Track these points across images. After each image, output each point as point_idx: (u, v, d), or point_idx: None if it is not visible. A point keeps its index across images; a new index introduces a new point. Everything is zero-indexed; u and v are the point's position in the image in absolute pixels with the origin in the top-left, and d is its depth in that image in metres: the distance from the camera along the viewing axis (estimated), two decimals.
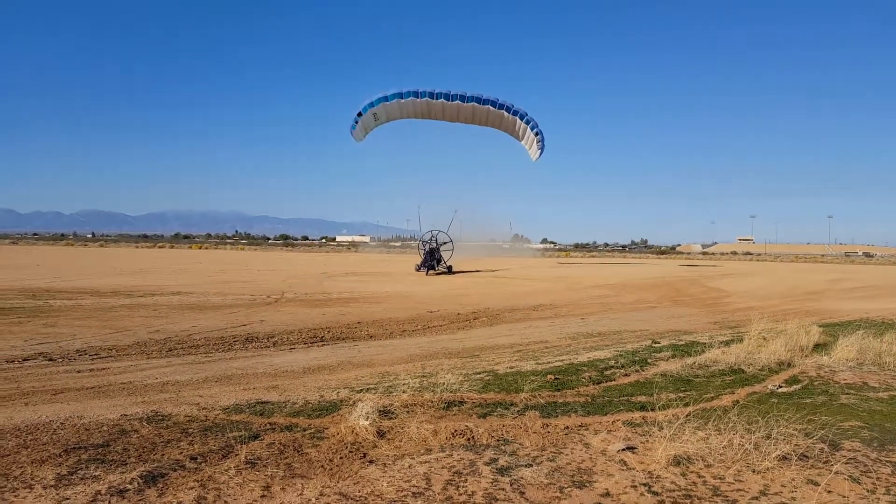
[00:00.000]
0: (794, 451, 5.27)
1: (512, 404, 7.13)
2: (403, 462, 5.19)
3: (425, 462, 5.19)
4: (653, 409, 6.76)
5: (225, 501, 4.35)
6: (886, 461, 5.34)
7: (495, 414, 6.74)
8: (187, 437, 5.74)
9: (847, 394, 7.95)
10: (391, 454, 5.39)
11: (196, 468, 4.95)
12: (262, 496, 4.45)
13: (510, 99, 34.84)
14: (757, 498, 4.53)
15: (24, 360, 9.82)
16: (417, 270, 37.16)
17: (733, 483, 4.79)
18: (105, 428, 5.99)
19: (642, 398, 7.52)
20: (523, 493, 4.59)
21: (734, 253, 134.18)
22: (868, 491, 4.68)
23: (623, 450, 5.51)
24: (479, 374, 8.94)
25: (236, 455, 5.22)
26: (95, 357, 10.29)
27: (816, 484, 4.74)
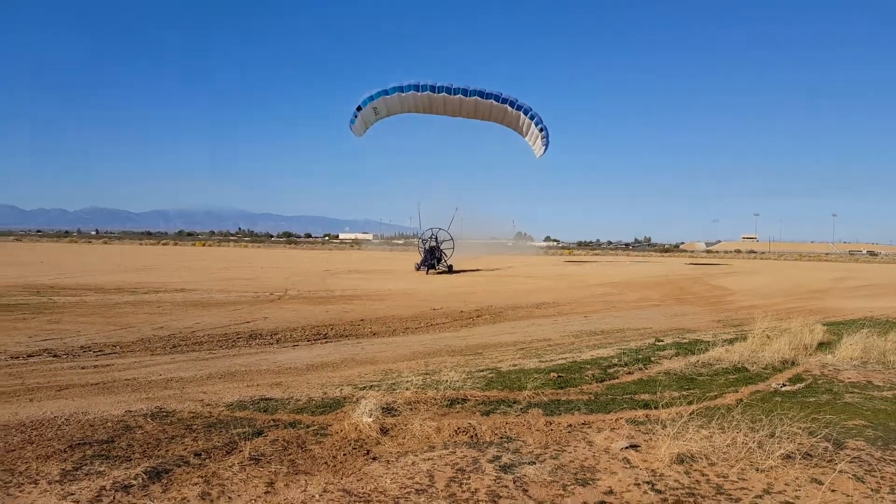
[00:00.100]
0: (798, 450, 5.25)
1: (515, 402, 7.13)
2: (407, 459, 5.20)
3: (428, 459, 5.19)
4: (656, 408, 6.75)
5: (229, 497, 4.37)
6: (891, 460, 5.32)
7: (498, 411, 6.74)
8: (191, 434, 5.76)
9: (851, 392, 7.92)
10: (394, 451, 5.40)
11: (200, 464, 4.97)
12: (266, 492, 4.46)
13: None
14: (760, 496, 4.53)
15: (28, 356, 9.86)
16: (417, 269, 36.19)
17: (737, 481, 4.79)
18: (109, 424, 6.02)
19: (646, 396, 7.51)
20: (526, 490, 4.59)
21: (738, 251, 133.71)
22: (872, 490, 4.67)
23: (626, 448, 5.51)
24: (483, 371, 8.94)
25: (240, 451, 5.24)
26: (100, 353, 10.33)
27: (820, 483, 4.73)
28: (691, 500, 4.46)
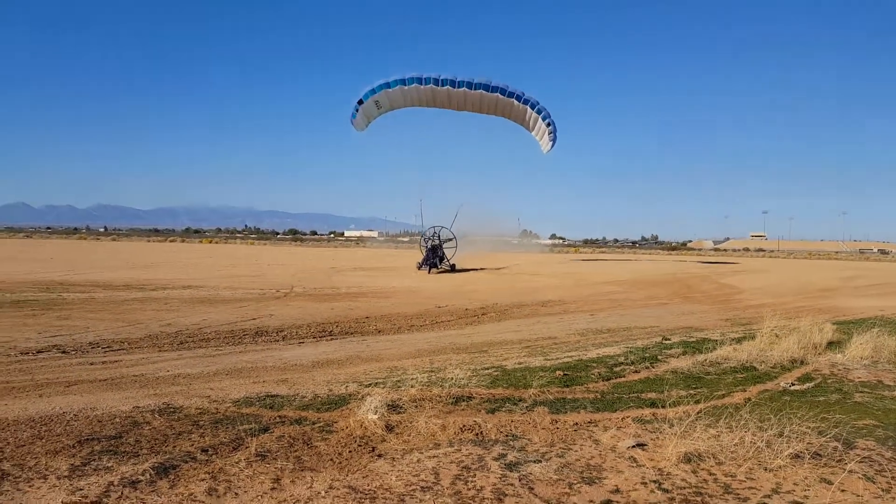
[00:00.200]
0: (807, 450, 5.21)
1: (520, 400, 7.11)
2: (412, 456, 5.19)
3: (434, 456, 5.19)
4: (663, 406, 6.71)
5: (235, 493, 4.38)
6: None
7: (504, 409, 6.73)
8: (198, 430, 5.78)
9: (861, 392, 7.85)
10: (400, 448, 5.40)
11: (207, 460, 4.99)
12: (272, 488, 4.47)
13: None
14: (769, 496, 4.49)
15: (38, 352, 9.95)
16: (419, 269, 35.02)
17: (745, 481, 4.75)
18: (118, 420, 6.05)
19: (652, 395, 7.47)
20: (532, 488, 4.57)
21: (746, 249, 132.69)
22: (883, 490, 4.62)
23: (633, 446, 5.48)
24: (488, 369, 8.93)
25: (247, 448, 5.26)
26: (108, 350, 10.40)
27: (830, 483, 4.68)
28: (699, 499, 4.43)
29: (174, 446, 5.31)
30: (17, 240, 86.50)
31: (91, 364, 9.14)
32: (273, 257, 51.92)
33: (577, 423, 6.24)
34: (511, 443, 5.61)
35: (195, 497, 4.30)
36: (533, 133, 32.98)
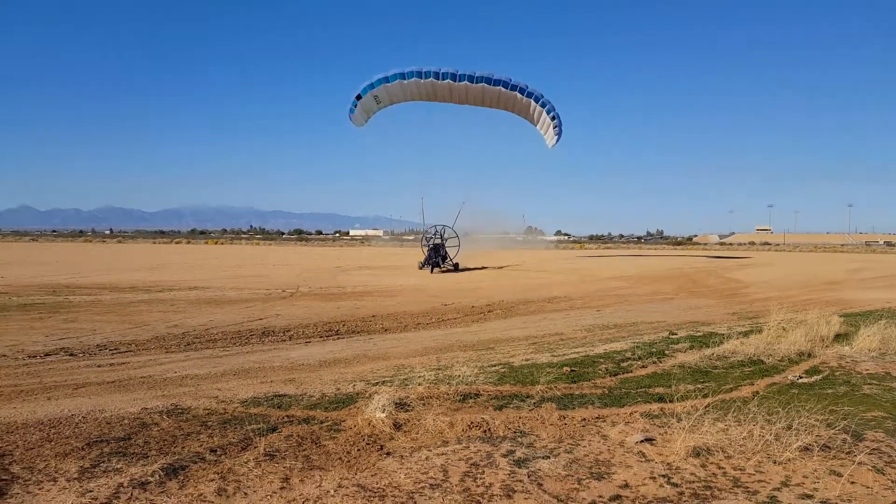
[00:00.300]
0: (815, 442, 5.18)
1: (528, 396, 7.11)
2: (420, 454, 5.20)
3: (442, 454, 5.19)
4: (671, 401, 6.70)
5: (245, 493, 4.40)
6: None
7: (511, 406, 6.72)
8: (207, 430, 5.80)
9: (869, 384, 7.81)
10: (408, 446, 5.41)
11: (216, 460, 5.01)
12: (282, 488, 4.48)
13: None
14: (778, 489, 4.47)
15: (45, 354, 10.00)
16: (421, 268, 33.97)
17: (754, 474, 4.73)
18: (126, 421, 6.08)
19: (660, 390, 7.45)
20: (541, 484, 4.57)
21: (752, 243, 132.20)
22: (892, 481, 4.60)
23: (641, 441, 5.47)
24: (495, 366, 8.93)
25: (255, 447, 5.27)
26: (115, 352, 10.45)
27: (839, 475, 4.66)
28: (708, 493, 4.42)
29: (183, 447, 5.33)
30: (22, 243, 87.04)
31: (99, 366, 9.18)
32: (278, 257, 52.04)
33: (584, 419, 6.23)
34: (519, 439, 5.60)
35: (205, 497, 4.32)
36: (537, 127, 31.96)
